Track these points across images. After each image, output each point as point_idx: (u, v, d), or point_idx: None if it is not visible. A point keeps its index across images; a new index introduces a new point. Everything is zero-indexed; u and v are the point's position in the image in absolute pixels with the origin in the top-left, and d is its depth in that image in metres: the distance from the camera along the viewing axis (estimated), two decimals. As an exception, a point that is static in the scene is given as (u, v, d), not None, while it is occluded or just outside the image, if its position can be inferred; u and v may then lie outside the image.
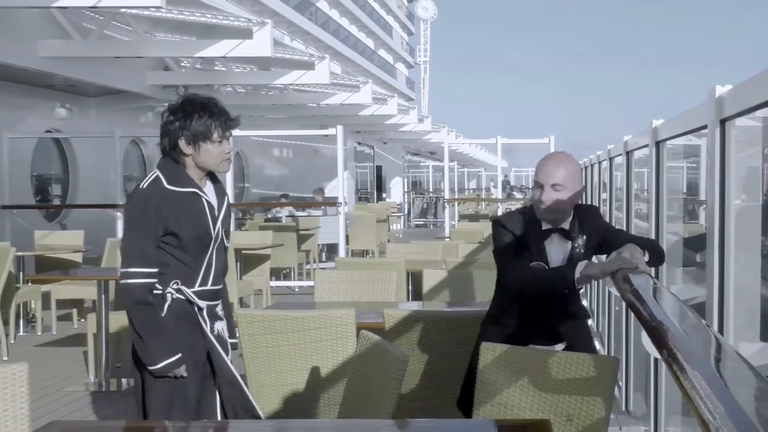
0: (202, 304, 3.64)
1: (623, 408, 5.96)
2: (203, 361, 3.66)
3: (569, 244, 3.72)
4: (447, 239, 14.26)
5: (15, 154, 13.17)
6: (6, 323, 8.21)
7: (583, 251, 3.72)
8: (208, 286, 3.66)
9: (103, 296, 6.86)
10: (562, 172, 3.61)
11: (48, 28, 12.11)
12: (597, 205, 3.69)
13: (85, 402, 6.52)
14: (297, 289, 13.11)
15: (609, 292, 6.50)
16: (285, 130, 22.19)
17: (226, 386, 3.71)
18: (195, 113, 3.55)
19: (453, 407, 4.33)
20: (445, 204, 20.97)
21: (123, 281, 3.51)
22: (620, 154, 6.23)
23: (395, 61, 50.43)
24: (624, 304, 5.58)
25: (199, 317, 3.65)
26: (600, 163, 8.73)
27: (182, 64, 15.41)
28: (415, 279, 7.39)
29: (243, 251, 10.17)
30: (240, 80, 16.36)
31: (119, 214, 12.81)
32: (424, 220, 34.10)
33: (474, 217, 20.67)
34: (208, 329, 3.67)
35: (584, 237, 3.73)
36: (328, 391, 4.47)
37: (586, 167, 10.38)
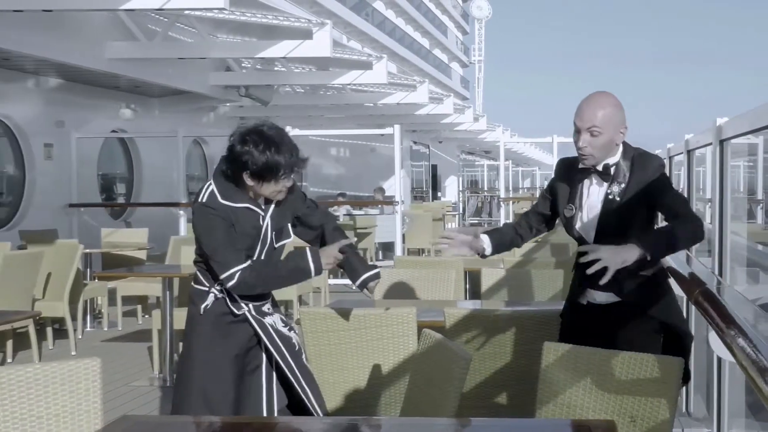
0: (246, 305, 3.70)
1: (684, 410, 5.86)
2: (243, 355, 3.70)
3: (604, 188, 3.59)
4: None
5: (82, 153, 13.40)
6: (74, 319, 8.35)
7: (619, 200, 3.54)
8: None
9: (167, 293, 6.93)
10: (599, 115, 3.47)
11: (115, 30, 12.29)
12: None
13: (150, 397, 6.60)
14: (353, 287, 13.13)
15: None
16: (342, 129, 22.24)
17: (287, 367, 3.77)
18: (267, 152, 3.53)
19: (514, 406, 4.30)
20: (501, 203, 20.87)
21: (231, 284, 3.58)
22: (681, 153, 6.13)
23: (450, 61, 50.29)
24: (685, 301, 5.49)
25: (248, 314, 3.71)
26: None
27: (243, 64, 15.52)
28: (472, 278, 7.35)
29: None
30: (299, 80, 16.42)
31: (182, 213, 12.95)
32: (478, 218, 33.92)
33: (527, 216, 20.51)
34: (255, 323, 3.73)
35: (623, 185, 3.54)
36: (390, 388, 4.46)
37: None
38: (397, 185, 12.89)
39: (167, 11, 10.90)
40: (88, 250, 9.43)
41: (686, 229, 3.42)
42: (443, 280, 6.05)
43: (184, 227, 12.82)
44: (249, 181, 3.59)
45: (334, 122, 22.36)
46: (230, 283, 3.57)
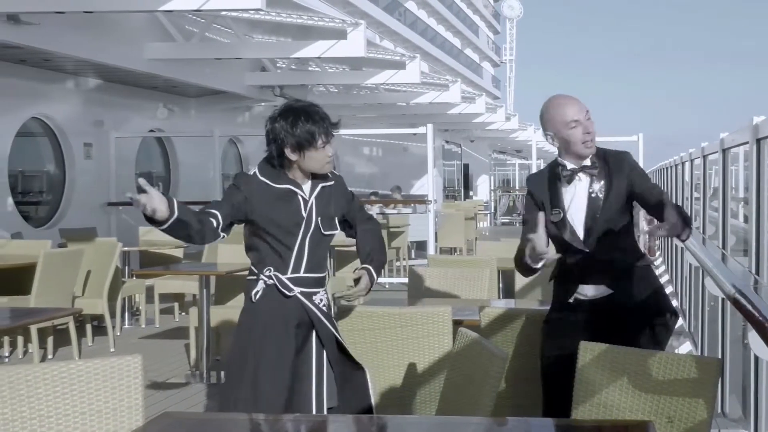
0: (296, 289, 3.71)
1: (719, 410, 5.79)
2: (294, 350, 3.72)
3: (580, 189, 3.67)
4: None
5: (121, 152, 13.53)
6: (112, 316, 8.40)
7: (602, 196, 3.65)
8: (301, 273, 3.74)
9: (204, 291, 6.96)
10: (583, 104, 3.67)
11: (153, 31, 12.40)
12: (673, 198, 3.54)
13: (187, 393, 6.63)
14: (387, 286, 13.12)
15: (702, 289, 6.33)
16: (375, 129, 22.25)
17: (334, 358, 3.79)
18: (299, 121, 3.64)
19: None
20: (533, 202, 20.72)
21: None
22: (715, 152, 6.06)
23: (481, 60, 50.15)
24: (720, 301, 5.44)
25: (299, 296, 3.73)
26: (693, 161, 8.52)
27: (278, 65, 15.57)
28: (505, 277, 7.32)
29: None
30: (333, 80, 16.45)
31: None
32: (509, 218, 33.82)
33: (562, 215, 20.36)
34: (307, 303, 3.74)
35: (602, 183, 3.66)
36: (426, 387, 4.45)
37: (676, 165, 10.15)
38: (429, 184, 12.87)
39: (204, 12, 10.95)
40: (126, 248, 9.48)
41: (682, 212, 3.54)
42: (477, 278, 6.02)
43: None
44: (292, 156, 3.67)
45: (367, 122, 22.38)
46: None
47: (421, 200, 14.34)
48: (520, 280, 6.22)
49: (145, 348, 8.23)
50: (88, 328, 8.32)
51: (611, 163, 3.68)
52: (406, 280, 12.52)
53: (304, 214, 3.73)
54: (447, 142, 30.90)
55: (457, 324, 4.46)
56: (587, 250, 3.69)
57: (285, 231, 3.70)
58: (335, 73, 15.94)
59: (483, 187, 37.19)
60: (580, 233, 3.69)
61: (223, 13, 11.24)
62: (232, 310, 7.18)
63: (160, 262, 9.95)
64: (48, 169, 13.03)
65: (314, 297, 3.79)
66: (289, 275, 3.72)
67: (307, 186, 3.78)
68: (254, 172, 3.75)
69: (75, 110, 12.91)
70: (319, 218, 3.77)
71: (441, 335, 4.46)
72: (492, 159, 40.49)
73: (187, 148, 15.62)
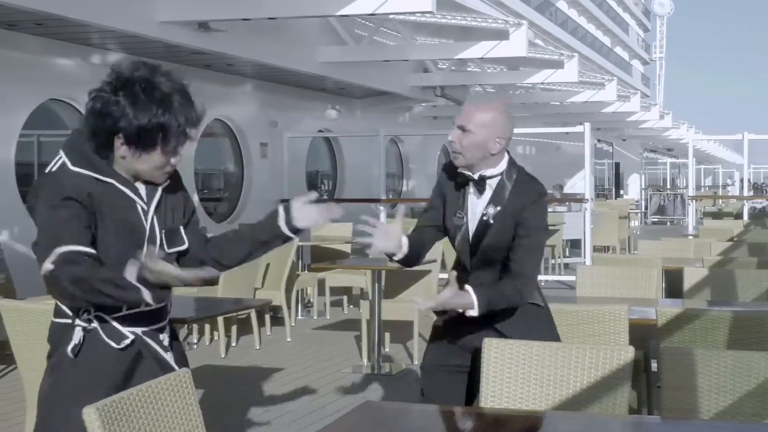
0: (131, 332, 2.60)
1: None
2: None
3: (480, 205, 3.33)
4: (690, 237, 13.58)
5: (293, 152, 13.91)
6: (288, 307, 8.61)
7: (493, 223, 3.29)
8: (143, 307, 2.56)
9: (376, 285, 7.05)
10: (475, 116, 3.30)
11: (326, 35, 12.69)
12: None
13: (363, 383, 6.70)
14: (543, 284, 12.95)
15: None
16: (529, 128, 22.03)
17: None
18: (152, 106, 2.49)
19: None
20: (689, 201, 20.11)
21: (44, 269, 2.43)
22: None
23: (631, 58, 48.88)
24: None
25: (142, 338, 2.64)
26: None
27: (439, 65, 15.62)
28: (669, 276, 7.13)
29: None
30: (491, 80, 16.36)
31: (382, 208, 13.17)
32: (659, 217, 32.82)
33: (717, 215, 19.60)
34: (150, 354, 2.65)
35: (499, 209, 3.29)
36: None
37: None
38: (587, 183, 12.65)
39: (376, 16, 11.09)
40: (300, 243, 9.71)
41: (512, 295, 3.27)
42: (643, 277, 5.89)
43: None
44: (120, 151, 2.54)
45: (521, 120, 22.17)
46: (44, 267, 2.42)
47: (578, 199, 14.12)
48: (689, 280, 6.04)
49: (317, 338, 8.41)
50: (267, 318, 8.55)
51: (516, 190, 3.33)
52: (561, 277, 12.40)
53: (146, 226, 2.62)
54: (599, 140, 30.27)
55: (632, 323, 4.39)
56: (469, 269, 3.37)
57: (123, 247, 2.53)
58: (493, 73, 15.86)
59: (633, 186, 36.26)
60: (467, 251, 3.36)
61: (391, 16, 11.35)
62: (401, 304, 7.27)
63: (329, 257, 10.12)
64: (227, 167, 13.54)
65: (161, 336, 2.70)
66: (123, 312, 2.57)
67: (142, 187, 2.64)
68: (62, 162, 2.54)
69: (252, 112, 13.36)
70: (163, 233, 2.66)
71: (617, 333, 4.40)
72: (643, 158, 39.41)
73: (352, 148, 15.89)
